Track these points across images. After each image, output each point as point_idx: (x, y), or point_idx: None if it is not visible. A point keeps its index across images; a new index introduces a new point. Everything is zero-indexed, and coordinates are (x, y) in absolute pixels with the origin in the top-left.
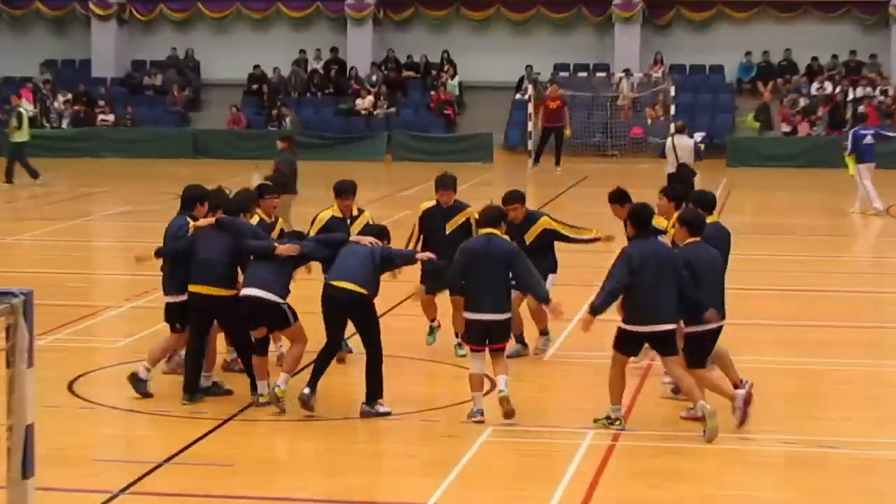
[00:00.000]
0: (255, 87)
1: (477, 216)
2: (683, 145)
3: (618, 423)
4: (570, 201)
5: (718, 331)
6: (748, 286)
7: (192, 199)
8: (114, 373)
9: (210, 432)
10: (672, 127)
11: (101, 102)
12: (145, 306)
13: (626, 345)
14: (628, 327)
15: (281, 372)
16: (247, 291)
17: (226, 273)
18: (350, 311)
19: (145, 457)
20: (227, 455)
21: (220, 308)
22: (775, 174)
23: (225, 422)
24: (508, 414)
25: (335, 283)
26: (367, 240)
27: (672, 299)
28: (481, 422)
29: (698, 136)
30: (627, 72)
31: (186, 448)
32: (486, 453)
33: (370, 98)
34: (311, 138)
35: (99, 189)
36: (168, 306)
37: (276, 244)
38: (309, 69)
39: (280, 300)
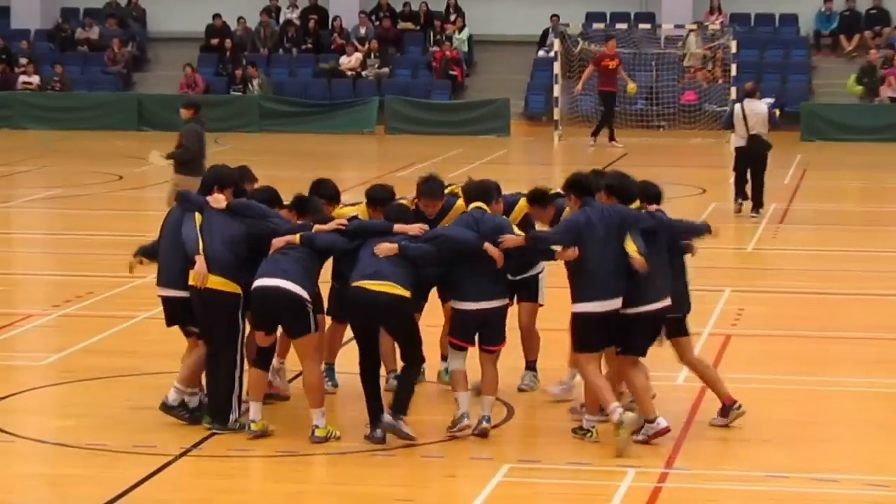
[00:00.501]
0: (214, 42)
1: (461, 190)
2: (756, 112)
3: (589, 435)
4: None
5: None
6: (828, 290)
7: (210, 183)
8: (38, 397)
9: (158, 471)
10: (733, 91)
11: (23, 61)
12: (77, 314)
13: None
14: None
15: (312, 409)
16: (262, 281)
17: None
18: (387, 320)
19: (75, 503)
20: (179, 500)
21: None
22: (861, 150)
23: (177, 458)
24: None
25: (367, 284)
26: (416, 228)
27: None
28: (468, 426)
29: (766, 102)
30: (700, 25)
31: (128, 491)
32: (502, 498)
33: (357, 56)
34: (283, 105)
35: (21, 168)
36: (172, 302)
37: (315, 224)
38: (282, 20)
39: (306, 295)
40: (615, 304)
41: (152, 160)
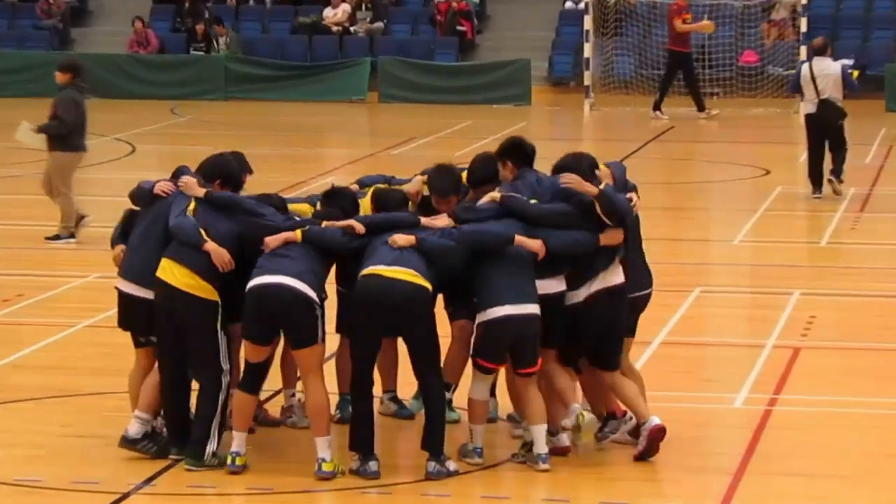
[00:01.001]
0: None
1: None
2: (827, 73)
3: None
4: (645, 167)
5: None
6: None
7: (209, 175)
8: None
9: None
10: (803, 51)
11: None
12: (2, 322)
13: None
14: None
15: (316, 438)
16: (263, 279)
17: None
18: (404, 317)
19: None
20: None
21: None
22: None
23: (125, 496)
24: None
25: (382, 271)
26: (443, 221)
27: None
28: (479, 464)
29: (843, 63)
30: None
31: None
32: None
33: (345, 7)
34: (255, 68)
35: None
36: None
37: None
38: None
39: (315, 296)
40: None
41: (21, 136)
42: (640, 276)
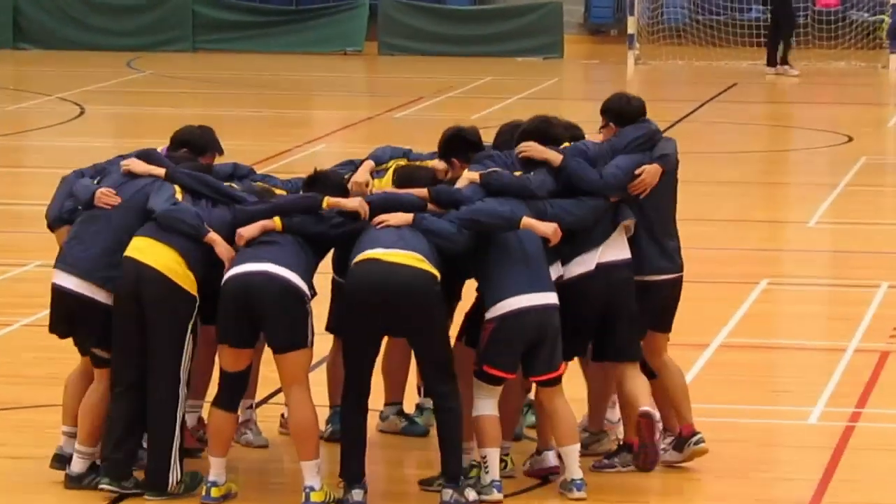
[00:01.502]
0: None
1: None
2: None
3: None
4: (701, 133)
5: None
6: None
7: (180, 143)
8: None
9: None
10: None
11: None
12: None
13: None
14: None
15: (301, 462)
16: (243, 268)
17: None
18: (408, 311)
19: None
20: None
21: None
22: None
23: None
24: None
25: (380, 255)
26: None
27: None
28: (499, 501)
29: None
30: None
31: None
32: None
33: None
34: (228, 13)
35: None
36: (72, 300)
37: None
38: None
39: (305, 288)
40: None
41: None
42: (653, 257)
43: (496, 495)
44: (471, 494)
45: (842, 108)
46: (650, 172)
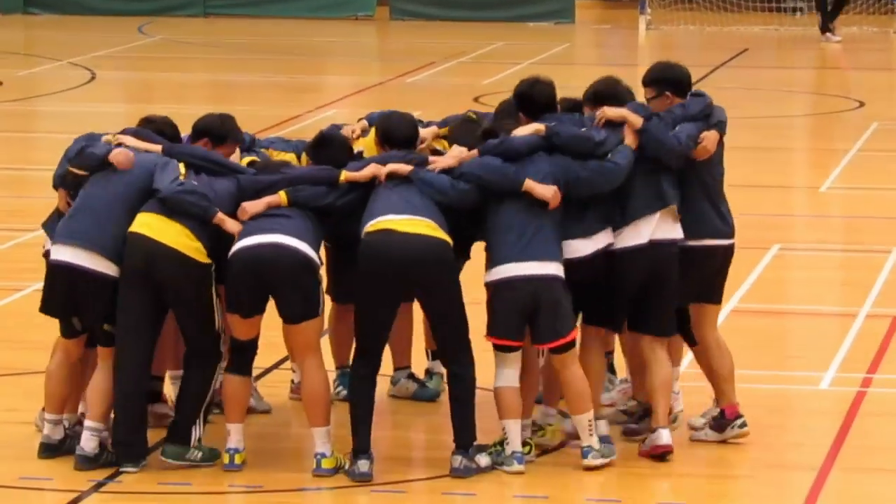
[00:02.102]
0: None
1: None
2: None
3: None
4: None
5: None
6: None
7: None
8: None
9: None
10: None
11: None
12: None
13: None
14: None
15: (312, 428)
16: (252, 240)
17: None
18: (425, 280)
19: None
20: None
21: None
22: None
23: (85, 495)
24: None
25: (393, 223)
26: (458, 154)
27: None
28: (520, 472)
29: None
30: None
31: None
32: None
33: None
34: None
35: None
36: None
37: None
38: None
39: (316, 258)
40: None
41: None
42: (713, 220)
43: (517, 466)
44: (482, 460)
45: (853, 73)
46: (711, 139)
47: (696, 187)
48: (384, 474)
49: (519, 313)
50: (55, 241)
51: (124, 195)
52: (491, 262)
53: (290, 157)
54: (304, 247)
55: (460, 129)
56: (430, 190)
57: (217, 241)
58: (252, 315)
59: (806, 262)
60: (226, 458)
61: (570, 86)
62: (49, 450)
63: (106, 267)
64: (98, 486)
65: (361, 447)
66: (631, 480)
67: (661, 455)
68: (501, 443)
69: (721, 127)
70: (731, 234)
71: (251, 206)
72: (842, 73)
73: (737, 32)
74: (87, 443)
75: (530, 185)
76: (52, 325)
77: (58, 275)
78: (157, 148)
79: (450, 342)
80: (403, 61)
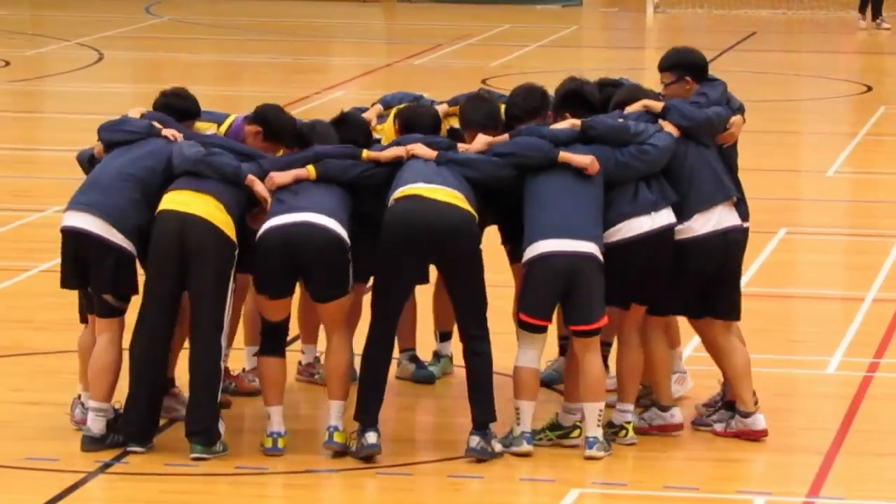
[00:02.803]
0: None
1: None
2: None
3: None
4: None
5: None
6: None
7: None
8: None
9: (62, 496)
10: None
11: None
12: None
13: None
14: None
15: (330, 400)
16: (284, 218)
17: None
18: (450, 251)
19: None
20: None
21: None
22: None
23: (90, 476)
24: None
25: (421, 190)
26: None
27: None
28: (528, 452)
29: None
30: None
31: None
32: None
33: None
34: None
35: None
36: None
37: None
38: None
39: (345, 233)
40: None
41: None
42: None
43: (525, 447)
44: (496, 446)
45: (861, 56)
46: (737, 124)
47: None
48: (390, 456)
49: (554, 291)
50: (66, 210)
51: (133, 169)
52: (528, 240)
53: (211, 126)
54: (335, 226)
55: (470, 106)
56: (462, 167)
57: (244, 220)
58: (282, 296)
59: (813, 246)
60: (268, 442)
61: (579, 69)
62: (92, 442)
63: (108, 233)
64: (105, 467)
65: (372, 420)
66: (638, 464)
67: (757, 438)
68: (578, 429)
69: (742, 112)
70: (747, 217)
71: (279, 177)
72: (849, 56)
73: (744, 16)
74: (94, 424)
75: (566, 155)
76: (59, 305)
77: (65, 241)
78: (179, 136)
79: (468, 317)
80: (410, 43)
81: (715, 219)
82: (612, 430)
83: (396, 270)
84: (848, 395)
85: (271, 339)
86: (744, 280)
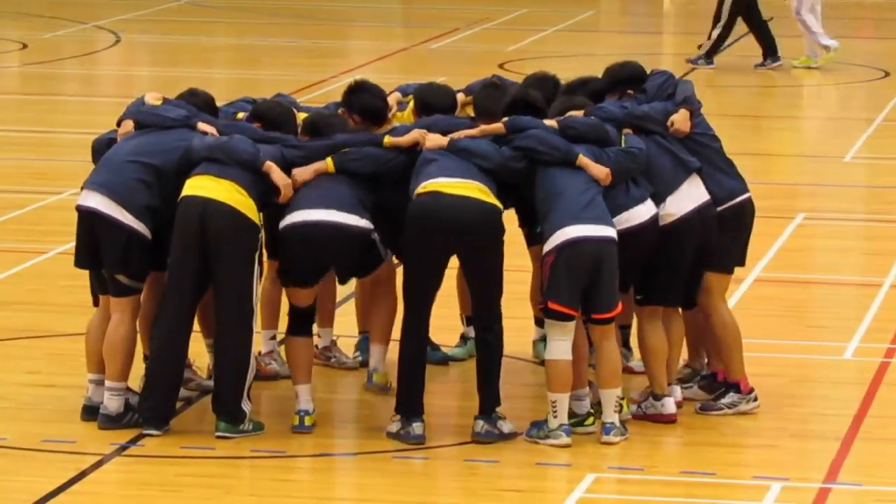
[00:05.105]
0: None
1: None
2: None
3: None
4: (738, 67)
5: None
6: None
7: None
8: None
9: (78, 478)
10: None
11: None
12: None
13: None
14: None
15: (373, 346)
16: (308, 214)
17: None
18: (475, 244)
19: None
20: None
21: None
22: None
23: (107, 458)
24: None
25: (444, 186)
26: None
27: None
28: (567, 446)
29: None
30: None
31: None
32: None
33: None
34: None
35: None
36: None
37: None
38: None
39: (370, 225)
40: None
41: None
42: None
43: (564, 439)
44: (505, 426)
45: (878, 42)
46: (680, 119)
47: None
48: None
49: (583, 277)
50: (81, 188)
51: (148, 154)
52: (551, 228)
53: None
54: (360, 221)
55: (484, 95)
56: (473, 156)
57: (267, 203)
58: (309, 286)
59: (830, 232)
60: (295, 420)
61: (596, 54)
62: (90, 412)
63: (118, 212)
64: (121, 450)
65: (414, 410)
66: (654, 449)
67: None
68: (592, 416)
69: (688, 103)
70: (745, 189)
71: (300, 174)
72: (867, 42)
73: (762, 1)
74: (110, 402)
75: (585, 161)
76: (76, 288)
77: (79, 221)
78: (212, 129)
79: (484, 308)
80: (427, 27)
81: (687, 198)
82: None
83: (422, 263)
84: (865, 381)
85: (299, 321)
86: (760, 265)
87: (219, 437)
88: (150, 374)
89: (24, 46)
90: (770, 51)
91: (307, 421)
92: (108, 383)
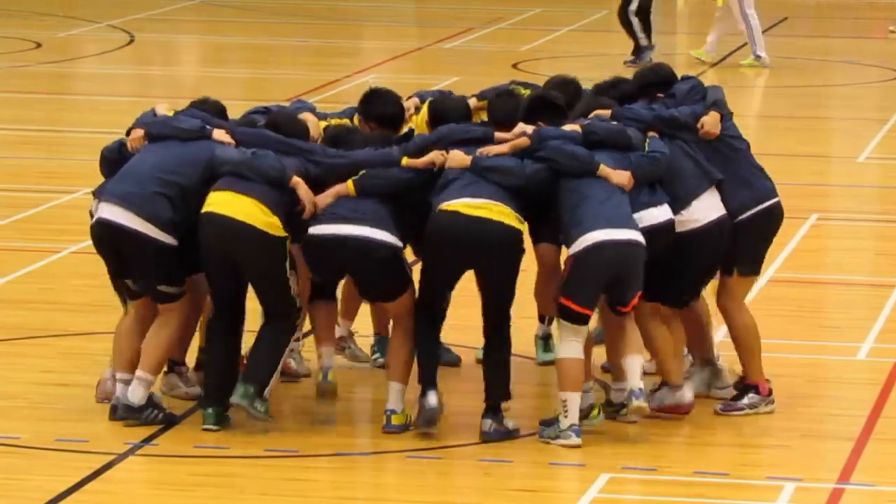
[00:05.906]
0: None
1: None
2: None
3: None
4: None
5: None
6: None
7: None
8: None
9: (91, 478)
10: None
11: None
12: None
13: None
14: None
15: (391, 383)
16: (331, 228)
17: None
18: (492, 263)
19: None
20: None
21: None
22: None
23: (120, 458)
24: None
25: (464, 207)
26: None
27: None
28: (578, 446)
29: None
30: None
31: None
32: None
33: None
34: None
35: None
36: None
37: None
38: None
39: (397, 241)
40: None
41: None
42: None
43: (574, 440)
44: (510, 424)
45: (891, 43)
46: (709, 122)
47: (725, 166)
48: (419, 440)
49: (602, 280)
50: (100, 200)
51: (170, 171)
52: (575, 233)
53: (345, 122)
54: (388, 237)
55: (498, 103)
56: (499, 175)
57: (291, 216)
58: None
59: (843, 232)
60: (319, 376)
61: (609, 53)
62: (117, 410)
63: (142, 226)
64: (134, 449)
65: (430, 381)
66: (667, 449)
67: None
68: (594, 409)
69: (719, 106)
70: (775, 193)
71: (321, 200)
72: (880, 42)
73: (776, 1)
74: (134, 392)
75: (605, 171)
76: (89, 287)
77: (101, 233)
78: (228, 138)
79: (494, 317)
80: (441, 27)
81: (709, 207)
82: (612, 409)
83: (438, 273)
84: (878, 382)
85: (321, 289)
86: (774, 266)
87: (234, 405)
88: (205, 379)
89: (39, 45)
90: (638, 48)
91: (330, 376)
92: (138, 372)
